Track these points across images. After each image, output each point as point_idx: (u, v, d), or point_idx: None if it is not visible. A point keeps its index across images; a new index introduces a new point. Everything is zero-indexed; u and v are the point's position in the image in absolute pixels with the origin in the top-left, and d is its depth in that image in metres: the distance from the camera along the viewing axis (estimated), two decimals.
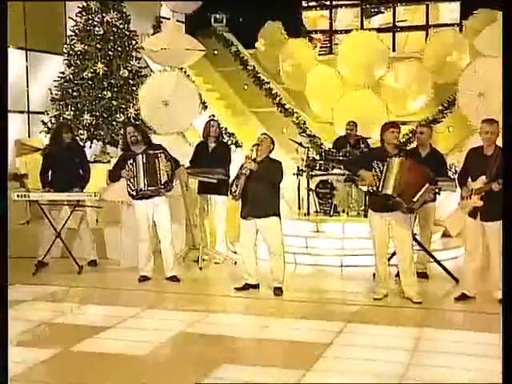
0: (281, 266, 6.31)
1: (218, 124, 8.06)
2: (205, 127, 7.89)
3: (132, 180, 6.66)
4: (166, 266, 6.87)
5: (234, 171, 8.17)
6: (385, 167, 5.78)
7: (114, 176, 6.96)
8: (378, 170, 5.80)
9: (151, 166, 6.64)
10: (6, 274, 4.19)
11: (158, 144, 6.96)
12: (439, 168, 6.53)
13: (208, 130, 7.79)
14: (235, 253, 8.14)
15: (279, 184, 6.25)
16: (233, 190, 6.19)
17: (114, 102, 9.66)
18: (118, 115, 9.64)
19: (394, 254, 6.42)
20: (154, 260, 7.03)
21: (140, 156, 6.67)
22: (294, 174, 8.91)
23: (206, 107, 11.30)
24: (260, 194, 6.12)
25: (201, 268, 7.49)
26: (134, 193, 6.68)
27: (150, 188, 6.63)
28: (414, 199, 5.71)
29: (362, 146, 8.90)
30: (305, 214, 8.81)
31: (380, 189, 5.77)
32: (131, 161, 6.67)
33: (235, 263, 7.68)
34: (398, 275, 6.46)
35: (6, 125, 4.79)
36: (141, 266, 6.91)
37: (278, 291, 6.27)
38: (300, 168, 9.01)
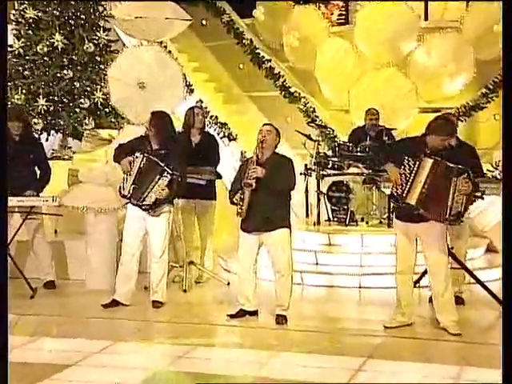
0: (288, 289, 6.31)
1: (204, 112, 8.07)
2: (187, 116, 7.89)
3: (128, 177, 6.68)
4: (152, 288, 6.88)
5: (224, 171, 8.25)
6: (415, 168, 5.78)
7: (119, 156, 6.80)
8: (407, 168, 5.79)
9: (144, 175, 6.60)
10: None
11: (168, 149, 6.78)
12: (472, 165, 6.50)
13: (191, 120, 7.79)
14: (228, 271, 8.14)
15: (290, 190, 6.26)
16: (238, 205, 6.17)
17: (77, 84, 9.65)
18: (81, 100, 9.65)
19: (424, 272, 6.43)
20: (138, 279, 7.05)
21: (140, 157, 6.63)
22: (300, 174, 8.94)
23: (192, 91, 11.31)
24: (268, 204, 6.13)
25: (185, 290, 7.48)
26: (126, 193, 6.70)
27: (131, 199, 6.66)
28: (447, 215, 5.68)
29: (386, 138, 8.93)
30: (314, 224, 8.84)
31: (404, 194, 5.78)
32: (138, 153, 6.66)
33: (228, 284, 7.70)
34: (431, 300, 6.47)
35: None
36: (117, 286, 6.90)
37: (281, 319, 6.27)
38: (308, 166, 9.05)
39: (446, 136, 5.81)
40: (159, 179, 6.58)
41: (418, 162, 5.75)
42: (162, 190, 6.60)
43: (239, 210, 6.17)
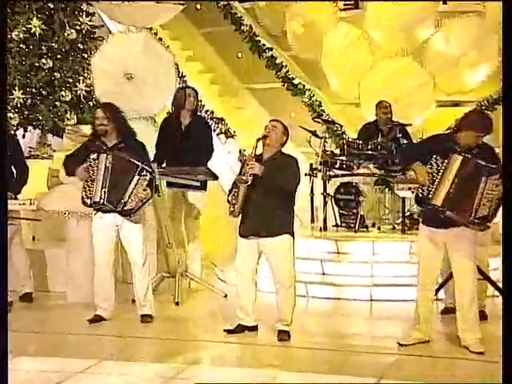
0: (290, 302, 6.30)
1: (197, 93, 8.07)
2: (177, 96, 7.91)
3: (89, 183, 6.66)
4: (136, 301, 6.87)
5: (220, 171, 8.26)
6: (443, 166, 5.79)
7: (69, 166, 6.86)
8: (434, 167, 5.80)
9: (117, 176, 6.58)
10: None
11: (141, 143, 6.87)
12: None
13: (182, 101, 7.82)
14: (225, 282, 8.14)
15: (295, 190, 6.26)
16: (230, 203, 6.18)
17: (57, 75, 9.64)
18: (62, 93, 9.64)
19: (442, 285, 6.44)
20: (120, 292, 7.02)
21: (104, 155, 6.62)
22: (305, 175, 8.94)
23: (186, 83, 11.32)
24: (268, 206, 6.13)
25: (178, 303, 7.48)
26: (89, 202, 6.69)
27: (107, 204, 6.62)
28: (471, 217, 5.69)
29: (399, 135, 8.94)
30: (320, 229, 8.85)
31: (430, 195, 5.79)
32: (95, 155, 6.66)
33: (225, 296, 7.71)
34: (443, 312, 6.48)
35: None
36: (96, 301, 6.90)
37: (283, 335, 6.25)
38: (314, 166, 9.05)
39: (481, 132, 5.81)
40: (139, 179, 6.58)
41: (446, 160, 5.76)
42: (144, 190, 6.61)
43: (232, 209, 6.16)
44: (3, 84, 4.87)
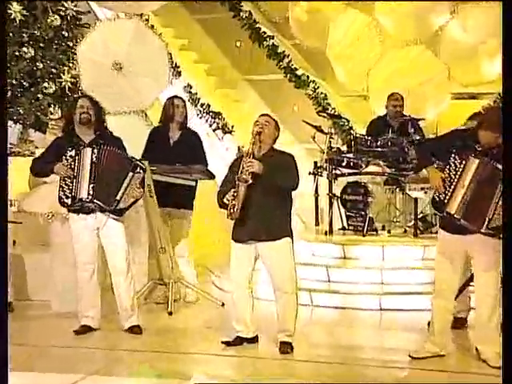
0: (292, 310, 6.29)
1: (185, 103, 8.10)
2: (165, 107, 7.95)
3: (69, 182, 6.65)
4: (121, 312, 6.86)
5: (217, 169, 8.25)
6: (460, 169, 5.78)
7: (41, 168, 6.87)
8: (452, 169, 5.79)
9: (107, 172, 6.60)
10: None
11: (118, 139, 6.91)
12: None
13: (171, 112, 7.86)
14: (222, 290, 8.15)
15: (292, 190, 6.27)
16: (229, 204, 6.16)
17: (40, 65, 9.63)
18: (45, 84, 9.63)
19: (458, 294, 6.44)
20: (107, 301, 7.02)
21: (89, 149, 6.64)
22: (309, 174, 8.96)
23: (180, 74, 11.34)
24: (265, 208, 6.13)
25: (171, 313, 7.49)
26: (69, 201, 6.68)
27: (95, 201, 6.62)
28: (483, 227, 5.67)
29: (411, 130, 8.94)
30: (326, 233, 8.87)
31: (445, 201, 5.79)
32: (73, 152, 6.66)
33: (222, 305, 7.72)
34: (455, 327, 6.50)
35: None
36: (81, 310, 6.90)
37: (286, 347, 6.25)
38: (319, 164, 9.06)
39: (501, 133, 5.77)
40: (133, 176, 6.59)
41: (464, 162, 5.75)
42: (137, 188, 6.63)
43: (231, 211, 6.15)
44: (3, 87, 4.97)
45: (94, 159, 6.62)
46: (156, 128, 8.09)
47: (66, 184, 6.67)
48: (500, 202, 5.63)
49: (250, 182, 6.03)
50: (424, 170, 6.22)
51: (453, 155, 5.79)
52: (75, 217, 6.77)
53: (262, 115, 6.44)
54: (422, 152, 6.53)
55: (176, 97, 8.17)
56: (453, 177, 5.77)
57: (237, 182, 6.10)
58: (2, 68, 5.59)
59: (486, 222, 5.67)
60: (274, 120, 6.36)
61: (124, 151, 6.78)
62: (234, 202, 6.13)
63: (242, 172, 6.07)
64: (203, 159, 7.83)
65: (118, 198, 6.59)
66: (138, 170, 6.62)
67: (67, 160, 6.64)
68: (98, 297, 6.91)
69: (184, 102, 8.11)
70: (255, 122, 6.30)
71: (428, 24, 11.20)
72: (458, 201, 5.74)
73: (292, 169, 6.19)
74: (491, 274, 5.89)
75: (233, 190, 6.15)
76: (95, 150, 6.63)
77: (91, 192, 6.59)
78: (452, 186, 5.77)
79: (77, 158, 6.64)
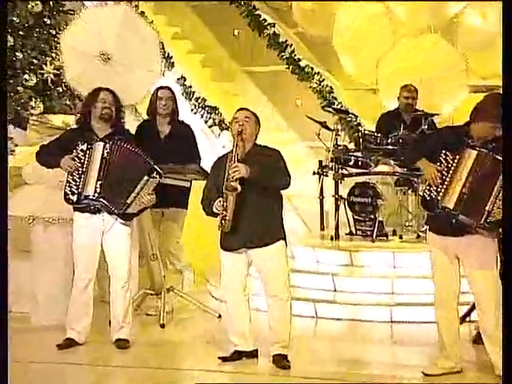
0: (287, 319, 6.27)
1: (173, 93, 8.10)
2: (150, 100, 7.99)
3: (76, 177, 6.65)
4: (113, 322, 6.86)
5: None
6: (454, 163, 5.81)
7: (48, 158, 6.82)
8: (444, 164, 5.82)
9: (118, 170, 6.59)
10: None
11: (132, 136, 6.99)
12: None
13: (153, 105, 7.90)
14: (219, 300, 8.16)
15: (284, 189, 6.26)
16: (220, 216, 6.15)
17: (19, 55, 9.64)
18: (25, 76, 9.63)
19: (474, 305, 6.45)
20: (100, 311, 7.03)
21: (101, 144, 6.63)
22: (314, 174, 8.95)
23: (173, 65, 11.34)
24: (256, 211, 6.13)
25: (163, 325, 7.49)
26: (75, 198, 6.67)
27: (102, 200, 6.60)
28: (481, 220, 5.68)
29: (425, 127, 8.94)
30: (332, 238, 8.87)
31: (439, 197, 5.81)
32: (84, 146, 6.65)
33: (219, 316, 7.73)
34: (476, 341, 6.50)
35: None
36: (69, 322, 6.88)
37: (281, 361, 6.22)
38: (324, 164, 9.05)
39: (498, 123, 5.79)
40: (148, 181, 6.58)
41: (457, 156, 5.77)
42: (149, 194, 6.63)
43: (222, 222, 6.11)
44: (4, 86, 5.15)
45: (106, 154, 6.60)
46: (143, 122, 8.08)
47: (73, 179, 6.65)
48: (500, 195, 5.65)
49: (239, 189, 6.02)
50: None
51: (443, 151, 5.82)
52: (80, 216, 6.75)
53: (240, 110, 6.39)
54: (409, 152, 6.60)
55: (161, 88, 8.16)
56: (445, 173, 5.79)
57: (224, 191, 6.08)
58: (1, 68, 5.65)
59: (485, 216, 5.69)
60: (253, 114, 6.34)
61: (140, 151, 6.74)
62: (224, 213, 6.11)
63: (227, 179, 6.05)
64: (196, 155, 7.82)
65: (128, 201, 6.58)
66: (155, 174, 6.61)
67: (77, 154, 6.63)
68: (89, 309, 6.88)
69: (172, 92, 8.08)
70: (233, 118, 6.30)
71: (443, 11, 11.21)
72: (456, 195, 5.75)
73: (280, 166, 6.18)
74: (489, 281, 5.86)
75: (221, 198, 6.13)
76: (107, 145, 6.62)
77: (98, 189, 6.58)
78: (446, 182, 5.78)
79: (88, 152, 6.64)
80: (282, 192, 6.32)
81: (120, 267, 6.78)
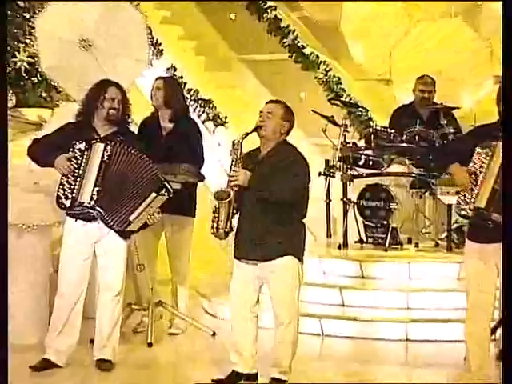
0: (288, 344, 6.25)
1: (170, 85, 8.09)
2: (151, 92, 8.00)
3: (71, 179, 6.62)
4: (97, 339, 6.85)
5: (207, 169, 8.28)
6: (486, 159, 5.81)
7: (41, 154, 6.77)
8: (478, 163, 5.83)
9: (120, 175, 6.57)
10: None
11: (137, 136, 7.03)
12: None
13: (152, 97, 7.92)
14: (213, 316, 8.17)
15: (305, 195, 6.25)
16: (213, 221, 6.17)
17: None
18: None
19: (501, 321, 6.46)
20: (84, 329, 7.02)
21: (101, 145, 6.60)
22: (319, 175, 8.95)
23: (161, 53, 11.34)
24: (257, 222, 6.14)
25: (151, 344, 7.50)
26: (68, 203, 6.65)
27: (99, 210, 6.58)
28: None
29: (444, 122, 8.94)
30: (339, 247, 8.89)
31: (473, 199, 5.82)
32: (83, 145, 6.62)
33: (213, 334, 7.76)
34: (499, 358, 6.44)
35: None
36: (50, 341, 6.85)
37: None
38: (331, 163, 9.04)
39: None
40: (155, 198, 6.56)
41: (490, 152, 5.78)
42: (155, 213, 6.65)
43: (214, 229, 6.14)
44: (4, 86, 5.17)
45: (106, 158, 6.55)
46: (146, 118, 8.08)
47: (67, 182, 6.61)
48: None
49: (230, 198, 6.02)
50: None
51: (477, 149, 5.84)
52: (72, 223, 6.73)
53: (268, 103, 6.38)
54: (439, 157, 6.62)
55: (159, 78, 8.19)
56: (478, 173, 5.81)
57: (214, 198, 6.09)
58: (2, 67, 5.77)
59: None
60: (283, 107, 6.30)
61: (147, 159, 6.68)
62: (215, 221, 6.14)
63: (227, 183, 6.09)
64: (197, 155, 7.84)
65: (131, 218, 6.57)
66: (164, 191, 6.59)
67: (74, 153, 6.60)
68: (77, 327, 6.86)
69: (166, 82, 8.07)
70: (260, 112, 6.29)
71: None
72: (487, 193, 5.76)
73: (301, 168, 6.16)
74: None
75: (215, 204, 6.14)
76: (108, 147, 6.56)
77: (95, 197, 6.55)
78: (479, 182, 5.80)
79: (86, 152, 6.61)
80: None
81: (112, 278, 6.77)
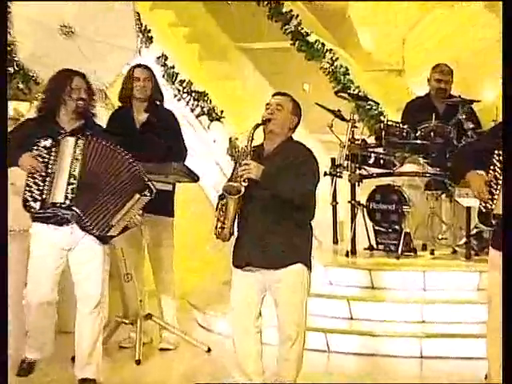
0: (293, 361, 6.24)
1: (152, 73, 8.09)
2: (124, 81, 7.98)
3: (39, 180, 6.58)
4: (77, 356, 6.83)
5: (202, 169, 8.25)
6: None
7: (10, 154, 6.63)
8: (498, 165, 5.84)
9: (94, 171, 6.54)
10: None
11: (106, 131, 6.99)
12: None
13: (129, 87, 7.88)
14: (208, 330, 8.17)
15: (313, 197, 6.20)
16: (218, 221, 6.12)
17: None
18: None
19: None
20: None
21: (71, 139, 6.57)
22: (325, 175, 8.94)
23: (151, 40, 11.34)
24: (266, 223, 6.09)
25: (139, 361, 7.49)
26: (37, 205, 6.60)
27: (74, 209, 6.54)
28: None
29: (462, 116, 8.93)
30: (347, 254, 8.91)
31: (494, 205, 5.84)
32: (48, 142, 6.57)
33: (208, 350, 7.75)
34: None
35: None
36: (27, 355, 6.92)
37: None
38: (337, 162, 9.04)
39: None
40: (138, 200, 6.57)
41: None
42: (137, 215, 6.68)
43: (218, 231, 6.12)
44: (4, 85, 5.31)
45: (78, 153, 6.53)
46: (116, 111, 8.07)
47: (35, 183, 6.56)
48: None
49: (242, 192, 5.97)
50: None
51: (496, 151, 5.83)
52: (41, 228, 6.67)
53: (276, 95, 6.35)
54: (455, 162, 6.60)
55: (138, 66, 8.14)
56: (498, 177, 5.82)
57: (224, 193, 6.04)
58: (2, 66, 5.87)
59: None
60: (292, 101, 6.29)
61: (126, 155, 6.66)
62: (221, 220, 6.10)
63: (234, 177, 6.03)
64: (181, 146, 7.86)
65: (113, 223, 6.56)
66: (147, 192, 6.59)
67: (39, 152, 6.55)
68: (48, 345, 6.93)
69: (150, 71, 8.07)
70: (266, 104, 6.26)
71: None
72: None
73: (310, 167, 6.12)
74: None
75: (221, 202, 6.10)
76: (80, 142, 6.54)
77: (70, 196, 6.51)
78: (499, 187, 5.80)
79: (53, 149, 6.57)
80: None
81: (90, 289, 6.74)
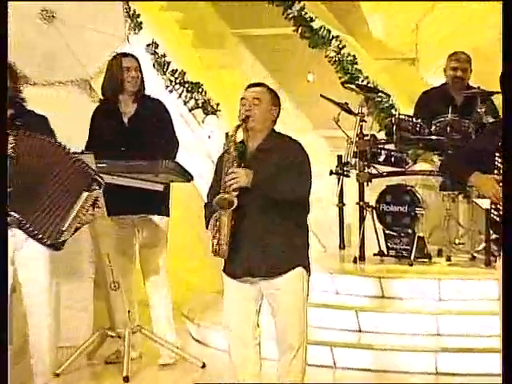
0: (296, 374, 6.21)
1: (139, 63, 8.03)
2: (110, 72, 7.90)
3: None
4: (36, 378, 6.83)
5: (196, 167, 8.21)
6: None
7: None
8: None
9: (31, 170, 6.48)
10: None
11: (43, 118, 6.87)
12: None
13: (118, 79, 7.81)
14: (202, 343, 8.15)
15: (305, 198, 6.18)
16: (212, 239, 6.09)
17: None
18: None
19: None
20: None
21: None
22: (331, 173, 8.94)
23: (140, 26, 11.34)
24: (262, 229, 6.07)
25: (127, 378, 7.45)
26: None
27: (13, 214, 6.46)
28: None
29: (481, 109, 8.90)
30: (355, 260, 8.89)
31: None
32: None
33: (203, 366, 7.73)
34: None
35: None
36: None
37: None
38: (344, 160, 9.02)
39: None
40: (87, 197, 6.52)
41: None
42: (91, 209, 6.60)
43: (215, 248, 6.05)
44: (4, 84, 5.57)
45: (10, 151, 6.42)
46: (100, 105, 8.02)
47: None
48: None
49: (236, 204, 5.93)
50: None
51: (498, 153, 5.83)
52: None
53: (250, 86, 6.29)
54: (453, 165, 6.54)
55: (125, 55, 8.09)
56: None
57: (215, 207, 5.97)
58: (3, 66, 5.93)
59: None
60: (268, 91, 6.23)
61: (67, 147, 6.63)
62: (217, 237, 6.05)
63: (223, 188, 5.96)
64: (173, 139, 7.86)
65: (63, 228, 6.53)
66: (95, 185, 6.55)
67: None
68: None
69: (138, 61, 8.03)
70: (241, 99, 6.20)
71: None
72: None
73: (300, 163, 6.09)
74: None
75: (214, 216, 6.06)
76: (10, 138, 6.44)
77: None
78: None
79: None
80: None
81: (34, 298, 6.75)
